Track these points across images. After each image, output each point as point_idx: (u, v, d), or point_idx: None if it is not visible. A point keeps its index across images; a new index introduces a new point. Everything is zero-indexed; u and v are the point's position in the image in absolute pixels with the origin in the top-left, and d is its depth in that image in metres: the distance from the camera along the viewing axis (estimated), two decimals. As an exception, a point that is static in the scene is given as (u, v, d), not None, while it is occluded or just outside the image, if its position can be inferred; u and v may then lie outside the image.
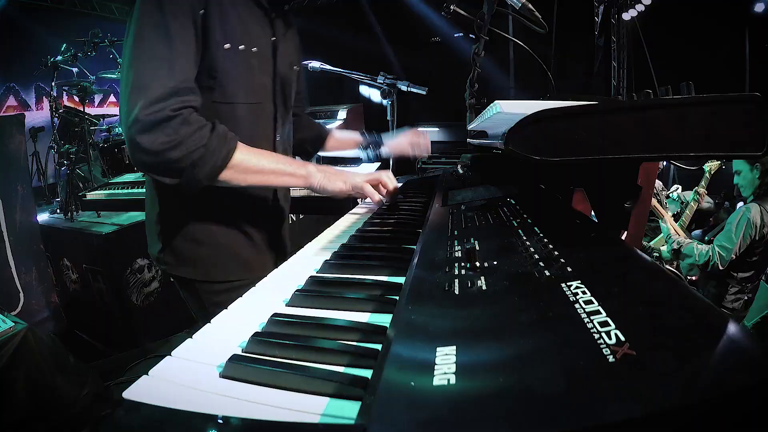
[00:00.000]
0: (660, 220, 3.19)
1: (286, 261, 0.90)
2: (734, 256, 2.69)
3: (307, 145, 1.60)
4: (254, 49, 1.11)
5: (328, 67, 2.14)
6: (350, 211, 1.38)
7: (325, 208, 2.33)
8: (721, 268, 2.72)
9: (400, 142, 1.62)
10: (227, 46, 1.04)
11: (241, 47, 1.08)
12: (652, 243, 3.46)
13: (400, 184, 1.50)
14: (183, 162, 0.91)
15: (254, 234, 1.22)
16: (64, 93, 4.62)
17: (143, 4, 0.94)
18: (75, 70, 4.36)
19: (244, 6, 1.11)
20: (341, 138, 1.65)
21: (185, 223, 1.13)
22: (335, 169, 1.15)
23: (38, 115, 5.89)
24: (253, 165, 1.01)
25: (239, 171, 0.99)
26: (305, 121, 1.59)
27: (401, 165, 2.15)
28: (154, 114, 0.88)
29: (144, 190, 1.23)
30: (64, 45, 4.18)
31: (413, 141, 1.62)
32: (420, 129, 1.72)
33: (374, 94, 1.99)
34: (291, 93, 1.30)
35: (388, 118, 2.04)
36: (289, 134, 1.34)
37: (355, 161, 2.50)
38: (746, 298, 2.78)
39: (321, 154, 1.70)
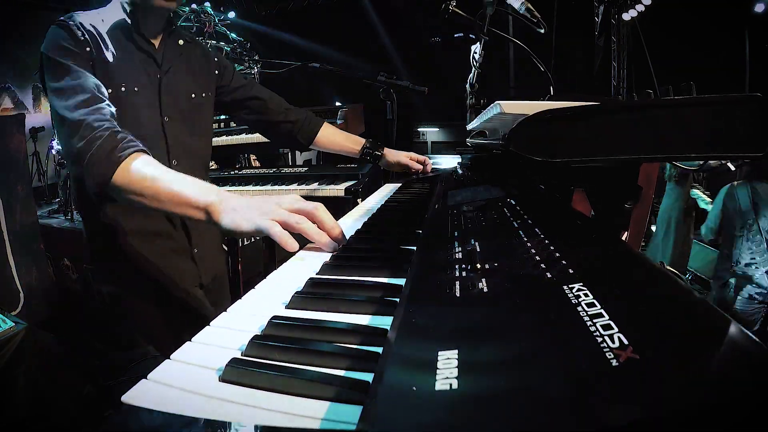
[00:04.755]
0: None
1: (283, 264, 0.90)
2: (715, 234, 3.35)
3: (299, 136, 1.64)
4: (136, 88, 1.20)
5: (327, 66, 2.15)
6: (347, 214, 1.37)
7: (328, 209, 2.32)
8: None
9: (401, 154, 1.74)
10: (110, 91, 1.13)
11: (123, 89, 1.18)
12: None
13: (347, 228, 1.07)
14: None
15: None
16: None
17: (47, 61, 1.09)
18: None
19: (124, 50, 1.21)
20: (342, 137, 1.71)
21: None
22: (252, 201, 0.84)
23: (36, 118, 5.81)
24: (135, 187, 0.92)
25: (126, 191, 0.93)
26: (295, 115, 1.63)
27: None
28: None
29: None
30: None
31: (415, 157, 1.75)
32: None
33: (374, 94, 1.99)
34: (200, 122, 1.36)
35: (388, 117, 2.04)
36: (197, 163, 1.36)
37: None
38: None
39: (320, 149, 1.73)
